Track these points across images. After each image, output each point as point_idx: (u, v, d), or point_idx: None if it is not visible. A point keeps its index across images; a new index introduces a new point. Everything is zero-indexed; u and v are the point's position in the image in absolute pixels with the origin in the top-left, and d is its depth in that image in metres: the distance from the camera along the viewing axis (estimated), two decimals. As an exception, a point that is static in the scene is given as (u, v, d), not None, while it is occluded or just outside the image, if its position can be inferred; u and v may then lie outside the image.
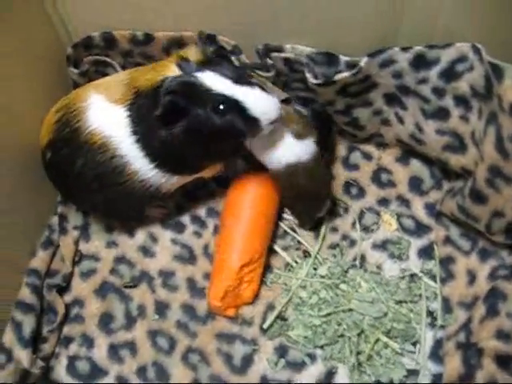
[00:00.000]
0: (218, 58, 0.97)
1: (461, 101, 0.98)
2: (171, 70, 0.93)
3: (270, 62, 1.06)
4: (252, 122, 0.92)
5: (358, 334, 1.05)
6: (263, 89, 0.93)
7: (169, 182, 1.02)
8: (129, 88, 0.95)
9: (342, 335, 1.06)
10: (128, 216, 1.16)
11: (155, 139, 0.95)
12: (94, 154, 0.97)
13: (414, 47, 0.97)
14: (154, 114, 0.90)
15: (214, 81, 0.90)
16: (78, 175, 1.00)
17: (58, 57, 1.14)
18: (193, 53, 0.94)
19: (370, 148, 1.24)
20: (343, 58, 1.03)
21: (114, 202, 1.05)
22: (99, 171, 0.98)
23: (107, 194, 1.02)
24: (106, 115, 0.96)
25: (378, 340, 1.04)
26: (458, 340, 1.01)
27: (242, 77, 0.93)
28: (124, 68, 1.16)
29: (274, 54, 1.06)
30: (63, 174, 1.03)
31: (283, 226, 1.18)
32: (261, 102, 0.92)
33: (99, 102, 0.97)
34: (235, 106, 0.91)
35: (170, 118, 0.91)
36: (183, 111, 0.91)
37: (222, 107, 0.90)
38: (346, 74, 1.01)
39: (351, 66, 1.02)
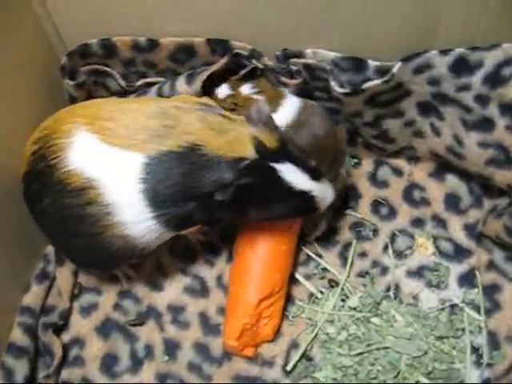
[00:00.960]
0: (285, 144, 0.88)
1: (508, 109, 0.89)
2: (247, 149, 0.83)
3: (294, 68, 0.98)
4: (313, 211, 0.92)
5: (395, 376, 0.96)
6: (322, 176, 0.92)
7: (162, 237, 0.90)
8: (165, 136, 0.82)
9: (376, 377, 0.96)
10: (96, 267, 1.06)
11: (182, 195, 0.84)
12: (64, 196, 0.85)
13: (454, 49, 0.88)
14: (216, 197, 0.82)
15: (294, 176, 0.86)
16: (42, 214, 0.90)
17: (51, 67, 1.03)
18: (267, 136, 0.85)
19: (400, 162, 1.15)
20: (372, 63, 0.93)
21: (77, 254, 0.94)
22: (64, 215, 0.86)
23: (69, 244, 0.91)
24: (97, 157, 0.83)
25: (417, 382, 0.95)
26: (508, 381, 0.93)
27: (310, 166, 0.89)
28: (125, 78, 1.07)
29: (293, 60, 0.97)
30: (32, 209, 0.93)
31: (306, 250, 1.09)
32: (329, 198, 0.92)
33: (88, 141, 0.84)
34: (307, 198, 0.89)
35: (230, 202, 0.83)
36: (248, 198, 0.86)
37: (290, 201, 0.88)
38: (376, 82, 0.92)
39: (382, 72, 0.93)
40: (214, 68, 0.98)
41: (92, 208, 0.83)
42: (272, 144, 0.85)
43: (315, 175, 0.89)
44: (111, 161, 0.82)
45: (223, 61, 0.99)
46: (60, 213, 0.86)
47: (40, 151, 0.86)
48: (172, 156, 0.81)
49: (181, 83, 0.99)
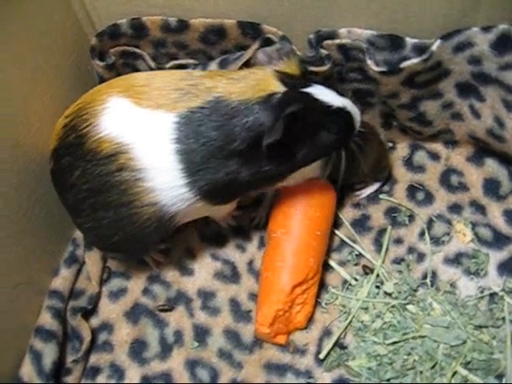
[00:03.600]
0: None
1: (553, 89, 0.86)
2: (273, 85, 0.83)
3: (324, 52, 0.94)
4: (352, 132, 0.91)
5: (432, 366, 0.92)
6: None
7: (193, 208, 0.88)
8: (192, 93, 0.83)
9: (412, 367, 0.93)
10: (121, 251, 1.01)
11: (218, 154, 0.82)
12: (95, 165, 0.83)
13: (497, 26, 0.84)
14: (265, 142, 0.79)
15: (328, 95, 0.86)
16: (71, 188, 0.87)
17: (81, 48, 1.02)
18: (289, 66, 0.88)
19: (436, 146, 1.11)
20: (410, 41, 0.91)
21: (104, 231, 0.89)
22: (94, 185, 0.84)
23: (98, 218, 0.88)
24: (129, 120, 0.83)
25: (455, 373, 0.92)
26: (551, 373, 0.89)
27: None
28: (155, 59, 1.05)
29: (328, 42, 0.94)
30: (59, 186, 0.91)
31: (340, 235, 1.06)
32: (357, 112, 0.90)
33: (120, 105, 0.83)
34: (345, 115, 0.88)
35: (281, 143, 0.81)
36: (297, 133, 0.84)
37: (333, 123, 0.87)
38: (414, 61, 0.89)
39: (420, 50, 0.90)
40: (246, 57, 0.96)
41: (123, 174, 0.82)
42: (295, 71, 0.87)
43: (339, 92, 0.88)
44: (143, 123, 0.82)
45: (254, 47, 0.96)
46: (89, 183, 0.84)
47: (72, 122, 0.86)
48: (201, 112, 0.81)
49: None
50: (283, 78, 0.84)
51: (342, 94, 0.89)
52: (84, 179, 0.84)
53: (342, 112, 0.87)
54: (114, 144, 0.82)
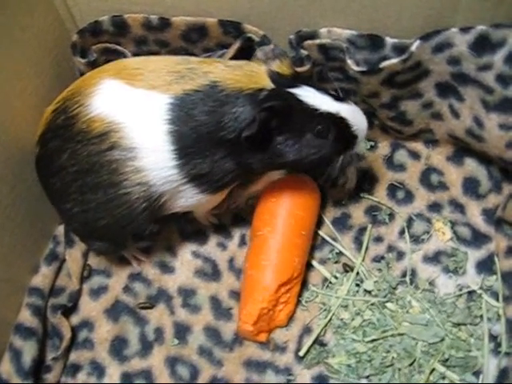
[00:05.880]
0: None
1: (531, 90, 0.86)
2: (264, 80, 0.85)
3: (304, 52, 0.95)
4: (352, 140, 0.89)
5: (410, 364, 0.93)
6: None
7: (180, 191, 0.88)
8: (189, 76, 0.84)
9: (391, 364, 0.94)
10: (106, 239, 0.97)
11: (208, 139, 0.84)
12: (85, 145, 0.84)
13: (475, 27, 0.85)
14: (243, 134, 0.81)
15: (315, 98, 0.85)
16: (58, 171, 0.87)
17: (62, 45, 1.02)
18: (280, 67, 0.88)
19: (417, 145, 1.11)
20: (390, 41, 0.92)
21: (92, 214, 0.89)
22: (83, 167, 0.85)
23: (86, 201, 0.88)
24: (122, 99, 0.84)
25: (433, 370, 0.93)
26: (528, 370, 0.89)
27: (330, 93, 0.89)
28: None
29: (308, 42, 0.95)
30: (45, 171, 0.91)
31: (321, 233, 1.06)
32: (361, 120, 0.89)
33: (113, 85, 0.84)
34: (339, 124, 0.87)
35: (259, 137, 0.83)
36: (276, 129, 0.85)
37: (321, 127, 0.86)
38: (394, 61, 0.90)
39: (399, 50, 0.91)
40: (228, 56, 0.97)
41: (114, 153, 0.83)
42: (285, 71, 0.87)
43: (337, 97, 0.87)
44: (136, 102, 0.83)
45: (235, 47, 0.97)
46: (79, 165, 0.85)
47: (62, 106, 0.86)
48: (195, 95, 0.82)
49: None
50: (273, 76, 0.85)
51: (341, 98, 0.88)
52: (73, 161, 0.85)
53: (333, 118, 0.86)
54: (106, 123, 0.83)
